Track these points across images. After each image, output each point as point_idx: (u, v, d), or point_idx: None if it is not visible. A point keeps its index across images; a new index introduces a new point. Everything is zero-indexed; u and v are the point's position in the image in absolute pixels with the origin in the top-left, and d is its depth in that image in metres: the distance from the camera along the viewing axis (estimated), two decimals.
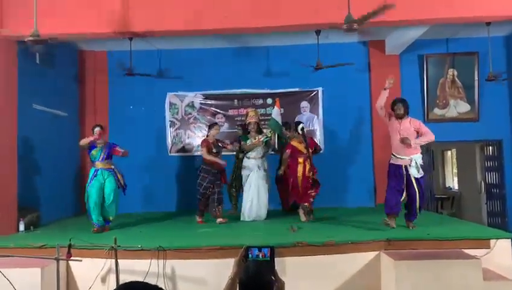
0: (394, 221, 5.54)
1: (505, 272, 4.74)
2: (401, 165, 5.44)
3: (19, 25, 5.51)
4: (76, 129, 8.12)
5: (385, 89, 5.48)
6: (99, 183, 5.98)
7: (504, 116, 8.14)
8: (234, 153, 7.33)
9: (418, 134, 5.51)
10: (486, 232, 5.63)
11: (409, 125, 5.47)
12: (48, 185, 6.93)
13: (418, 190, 5.42)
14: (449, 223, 6.40)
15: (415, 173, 5.39)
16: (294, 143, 6.58)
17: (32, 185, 6.67)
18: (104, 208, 6.04)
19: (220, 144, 6.76)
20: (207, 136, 6.78)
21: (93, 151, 6.05)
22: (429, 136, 5.47)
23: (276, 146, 6.90)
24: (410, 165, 5.39)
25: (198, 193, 6.58)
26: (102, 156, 6.05)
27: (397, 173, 5.45)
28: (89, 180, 6.03)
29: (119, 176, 6.12)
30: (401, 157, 5.44)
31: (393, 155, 5.53)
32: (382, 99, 5.54)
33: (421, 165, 5.44)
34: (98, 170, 6.02)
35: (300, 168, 6.48)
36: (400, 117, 5.51)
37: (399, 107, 5.50)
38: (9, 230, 5.85)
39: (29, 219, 6.22)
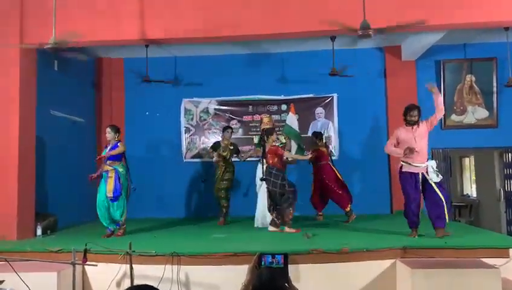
0: (416, 232, 5.41)
1: None
2: (418, 173, 5.33)
3: (38, 33, 5.63)
4: (93, 135, 8.24)
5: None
6: (104, 185, 5.96)
7: None
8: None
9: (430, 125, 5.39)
10: (505, 241, 5.50)
11: (423, 129, 5.35)
12: (65, 190, 7.03)
13: (442, 194, 5.29)
14: (467, 231, 6.27)
15: (434, 177, 5.28)
16: (323, 149, 7.10)
17: (50, 190, 6.77)
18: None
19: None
20: (267, 142, 6.24)
21: None
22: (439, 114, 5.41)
23: (294, 152, 6.87)
24: (428, 172, 5.29)
25: (288, 200, 6.01)
26: (105, 159, 6.02)
27: (413, 181, 5.33)
28: None
29: (109, 179, 5.88)
30: (417, 165, 5.31)
31: (408, 163, 5.35)
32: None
33: (435, 169, 5.34)
34: (104, 172, 6.03)
35: (337, 173, 6.97)
36: (413, 124, 5.36)
37: (415, 114, 5.34)
38: (26, 234, 5.93)
39: (47, 224, 6.30)
